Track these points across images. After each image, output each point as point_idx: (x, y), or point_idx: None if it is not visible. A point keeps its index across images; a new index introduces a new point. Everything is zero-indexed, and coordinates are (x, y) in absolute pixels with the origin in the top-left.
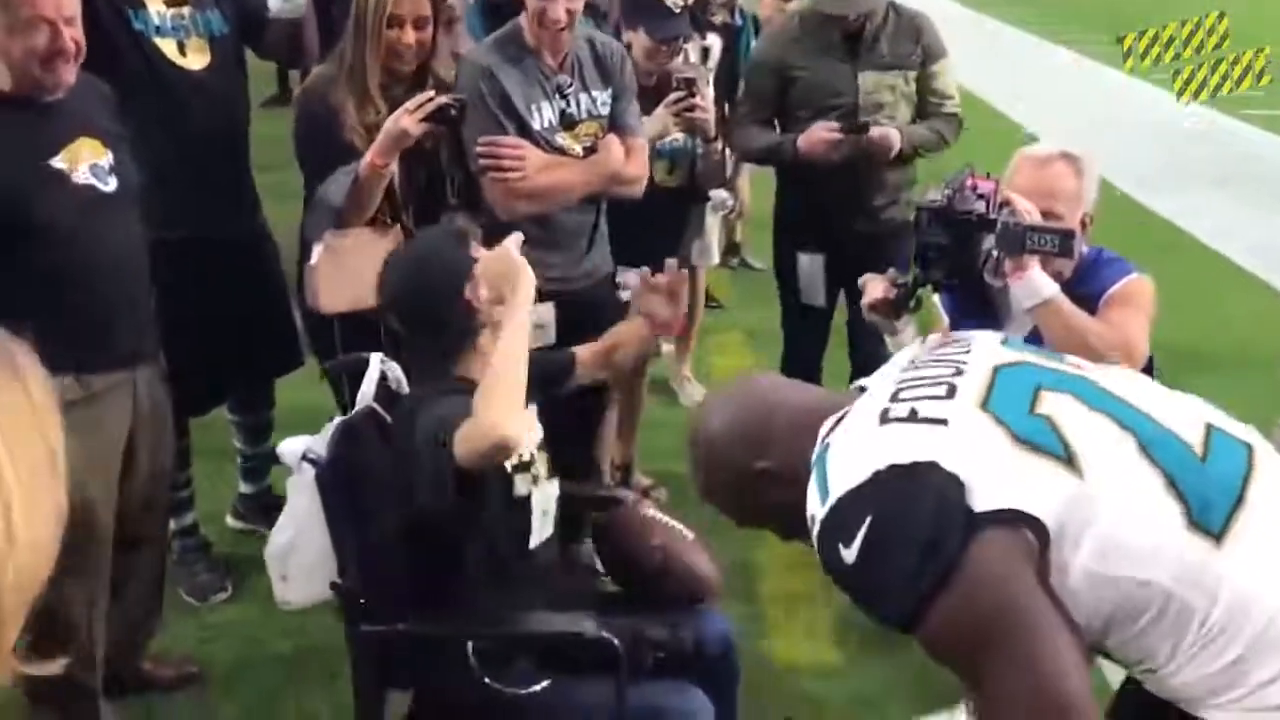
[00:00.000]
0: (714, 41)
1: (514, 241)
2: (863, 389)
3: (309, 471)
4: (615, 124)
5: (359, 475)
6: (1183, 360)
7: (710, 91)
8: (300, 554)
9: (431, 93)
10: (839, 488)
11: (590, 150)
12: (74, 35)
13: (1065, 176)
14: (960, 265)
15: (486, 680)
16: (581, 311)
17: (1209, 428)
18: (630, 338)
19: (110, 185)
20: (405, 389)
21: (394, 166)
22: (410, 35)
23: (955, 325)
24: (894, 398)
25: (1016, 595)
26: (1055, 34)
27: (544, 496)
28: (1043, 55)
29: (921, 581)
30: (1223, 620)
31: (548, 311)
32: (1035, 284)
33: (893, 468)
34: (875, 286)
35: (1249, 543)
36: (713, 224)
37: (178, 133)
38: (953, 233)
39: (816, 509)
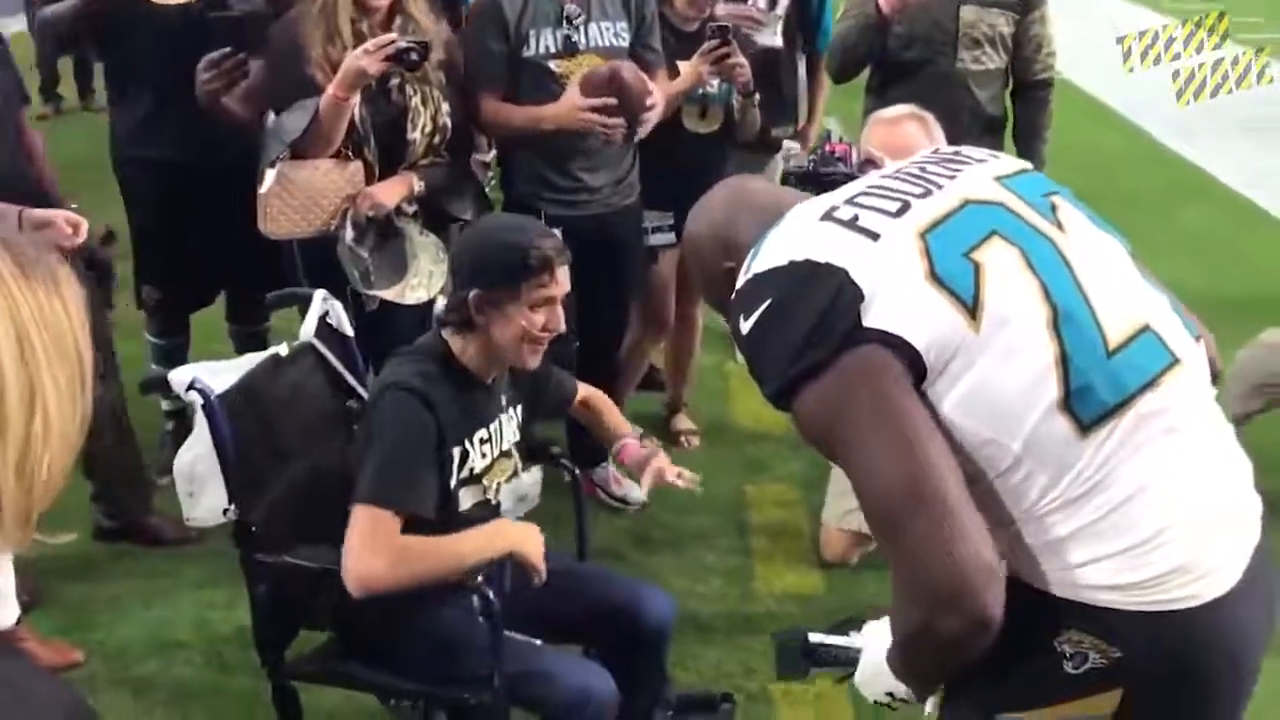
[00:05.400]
0: None
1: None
2: None
3: (196, 399)
4: (637, 54)
5: (278, 408)
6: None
7: (779, 40)
8: (204, 474)
9: (394, 35)
10: (760, 265)
11: None
12: None
13: (917, 135)
14: None
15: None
16: (602, 236)
17: (1144, 328)
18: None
19: None
20: (346, 328)
21: (355, 101)
22: None
23: None
24: (850, 200)
25: (889, 390)
26: None
27: (517, 486)
28: None
29: (795, 366)
30: (1060, 501)
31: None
32: None
33: (807, 262)
34: None
35: (1114, 444)
36: (778, 173)
37: (156, 67)
38: (820, 192)
39: (743, 279)
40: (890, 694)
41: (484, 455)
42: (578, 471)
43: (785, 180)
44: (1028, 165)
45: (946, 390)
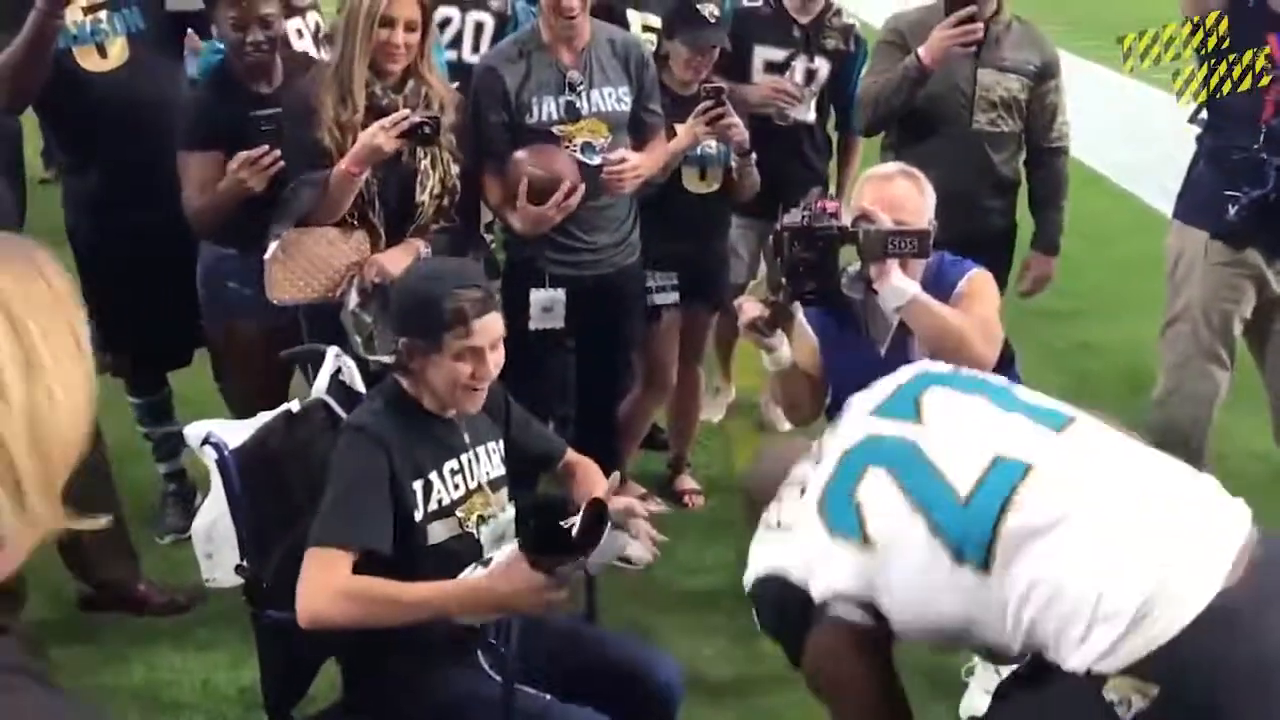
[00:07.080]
0: (822, 65)
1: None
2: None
3: (211, 455)
4: (638, 117)
5: (290, 465)
6: None
7: (812, 116)
8: (223, 535)
9: (408, 111)
10: (747, 579)
11: (588, 146)
12: None
13: (909, 191)
14: (824, 278)
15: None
16: (603, 294)
17: (993, 461)
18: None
19: None
20: (358, 385)
21: (366, 173)
22: (400, 36)
23: (822, 341)
24: (778, 500)
25: (842, 671)
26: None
27: (494, 527)
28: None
29: (790, 648)
30: (1023, 629)
31: (558, 296)
32: (899, 286)
33: (759, 579)
34: (751, 306)
35: (1020, 566)
36: None
37: (98, 130)
38: (815, 248)
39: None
40: None
41: (455, 487)
42: None
43: (777, 237)
44: (904, 379)
45: (887, 605)
